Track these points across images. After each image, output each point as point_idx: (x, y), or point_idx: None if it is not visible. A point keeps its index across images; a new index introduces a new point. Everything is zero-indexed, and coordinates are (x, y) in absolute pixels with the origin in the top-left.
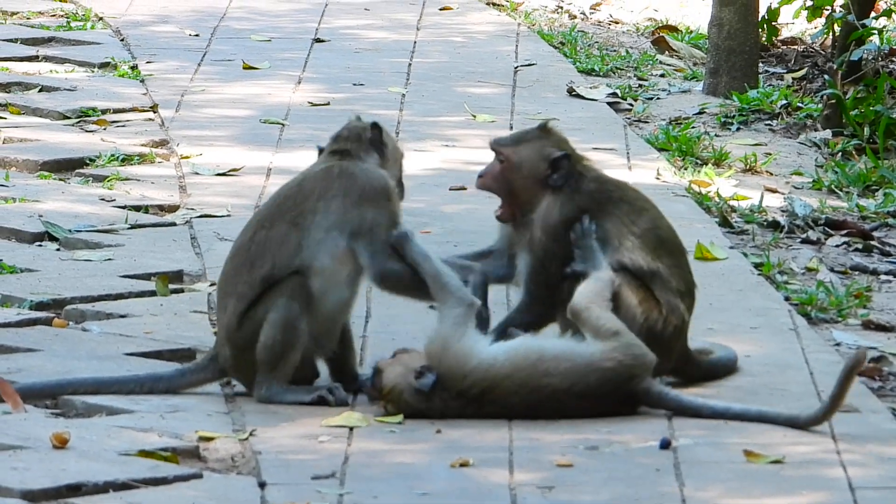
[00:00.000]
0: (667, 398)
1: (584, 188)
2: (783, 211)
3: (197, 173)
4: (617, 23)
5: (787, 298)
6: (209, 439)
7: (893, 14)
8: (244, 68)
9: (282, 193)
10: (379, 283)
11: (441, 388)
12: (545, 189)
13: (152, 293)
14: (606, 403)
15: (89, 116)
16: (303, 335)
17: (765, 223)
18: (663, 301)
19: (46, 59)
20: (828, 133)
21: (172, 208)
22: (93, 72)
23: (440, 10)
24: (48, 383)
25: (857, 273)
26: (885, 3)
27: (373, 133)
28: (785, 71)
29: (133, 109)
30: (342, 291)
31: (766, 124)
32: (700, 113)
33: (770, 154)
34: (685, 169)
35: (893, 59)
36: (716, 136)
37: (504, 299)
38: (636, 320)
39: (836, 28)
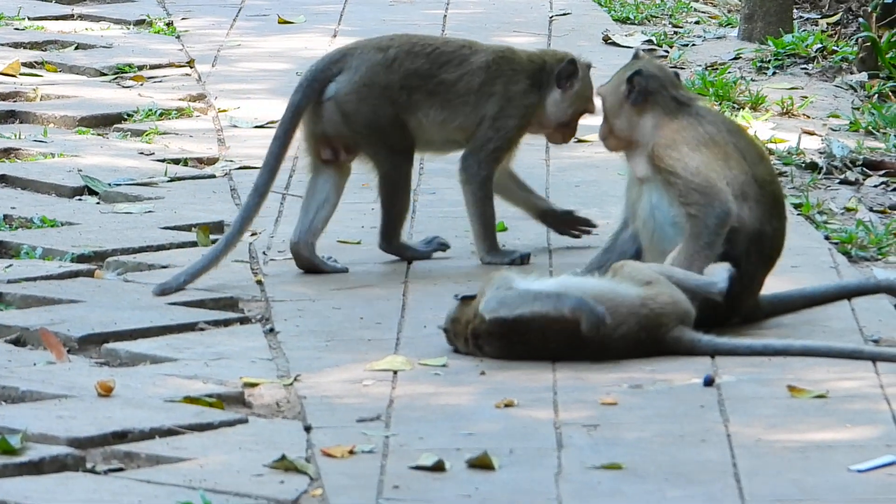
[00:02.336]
0: (700, 345)
1: (693, 113)
2: (821, 152)
3: (235, 126)
4: None
5: (826, 238)
6: (254, 385)
7: None
8: (279, 23)
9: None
10: (463, 183)
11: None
12: (635, 110)
13: (193, 244)
14: (642, 348)
15: (126, 73)
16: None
17: (803, 165)
18: (746, 267)
19: (81, 17)
20: (863, 76)
21: (211, 161)
22: (128, 29)
23: None
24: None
25: (895, 212)
26: None
27: (563, 67)
28: (819, 16)
29: (169, 65)
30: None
31: (802, 68)
32: (736, 58)
33: (806, 97)
34: (723, 113)
35: None
36: (752, 80)
37: None
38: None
39: None
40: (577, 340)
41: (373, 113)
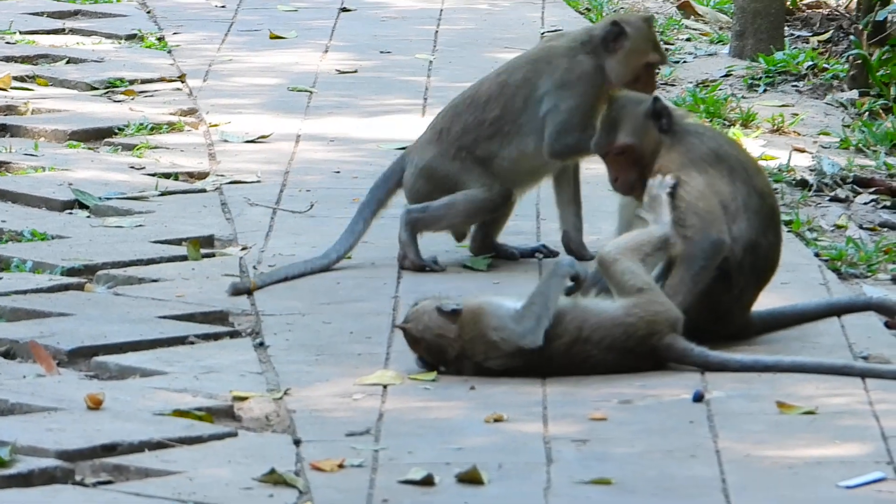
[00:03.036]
0: (691, 354)
1: (692, 131)
2: (811, 170)
3: (226, 140)
4: None
5: (816, 254)
6: (243, 399)
7: None
8: (271, 38)
9: (533, 51)
10: (552, 155)
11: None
12: (660, 140)
13: (183, 258)
14: (632, 358)
15: (117, 87)
16: (467, 223)
17: (793, 182)
18: (738, 280)
19: (73, 31)
20: (854, 93)
21: (202, 175)
22: (119, 43)
23: None
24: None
25: (886, 229)
26: None
27: (607, 30)
28: (810, 34)
29: (161, 80)
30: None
31: (793, 86)
32: (727, 75)
33: (797, 115)
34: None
35: None
36: (743, 97)
37: None
38: (695, 303)
39: None
40: (567, 361)
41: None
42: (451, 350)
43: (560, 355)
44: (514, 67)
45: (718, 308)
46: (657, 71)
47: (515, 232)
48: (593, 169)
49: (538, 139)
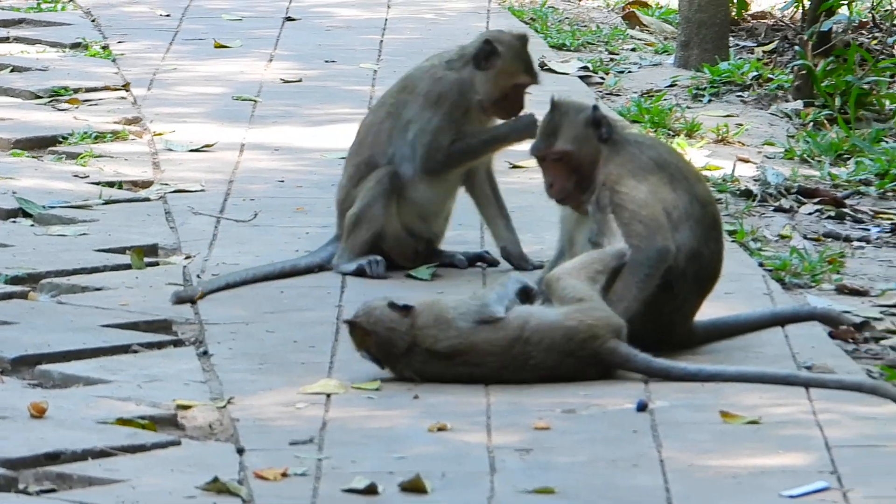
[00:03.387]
0: (635, 360)
1: (631, 141)
2: (756, 180)
3: (170, 149)
4: None
5: (760, 265)
6: (187, 407)
7: None
8: (216, 47)
9: (398, 80)
10: (423, 175)
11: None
12: (599, 149)
13: (127, 266)
14: (575, 363)
15: (61, 95)
16: (377, 217)
17: (737, 192)
18: (680, 289)
19: (17, 40)
20: (799, 104)
21: (146, 184)
22: (64, 52)
23: None
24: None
25: (829, 240)
26: None
27: (478, 48)
28: (755, 44)
29: (105, 88)
30: (432, 182)
31: (738, 96)
32: (671, 85)
33: (741, 125)
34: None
35: (863, 30)
36: (687, 107)
37: None
38: (638, 312)
39: (806, 1)
40: (509, 358)
41: None
42: (401, 343)
43: (502, 352)
44: (378, 105)
45: (661, 317)
46: (527, 91)
47: (459, 241)
48: (536, 179)
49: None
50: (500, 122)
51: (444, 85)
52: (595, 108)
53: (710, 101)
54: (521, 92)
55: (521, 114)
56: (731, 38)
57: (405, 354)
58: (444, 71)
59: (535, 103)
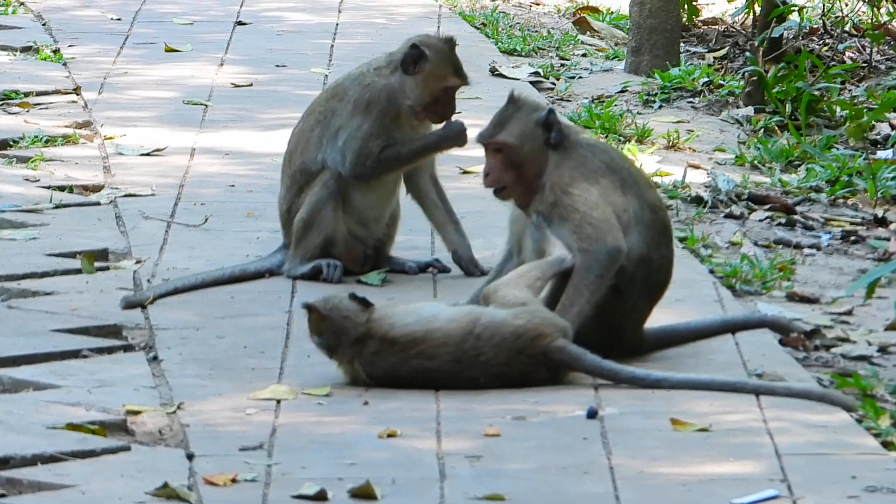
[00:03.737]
0: (585, 359)
1: (584, 144)
2: (706, 186)
3: (121, 154)
4: (538, 4)
5: (711, 271)
6: (137, 413)
7: None
8: (167, 51)
9: (327, 88)
10: (354, 179)
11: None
12: (547, 153)
13: (78, 271)
14: (525, 361)
15: (12, 99)
16: (327, 221)
17: (688, 198)
18: (629, 293)
19: None
20: (750, 110)
21: (97, 188)
22: (15, 55)
23: None
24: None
25: (780, 247)
26: None
27: (406, 53)
28: (706, 50)
29: (56, 92)
30: (366, 188)
31: (689, 102)
32: (622, 91)
33: (692, 131)
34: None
35: (814, 36)
36: (638, 113)
37: None
38: (592, 310)
39: (757, 7)
40: (461, 353)
41: None
42: (353, 332)
43: (455, 345)
44: (308, 112)
45: (611, 322)
46: (456, 94)
47: (410, 247)
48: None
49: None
50: (432, 126)
51: (373, 91)
52: (551, 111)
53: (660, 106)
54: (451, 95)
55: (453, 120)
56: (681, 44)
57: (356, 344)
58: (372, 77)
59: (492, 109)
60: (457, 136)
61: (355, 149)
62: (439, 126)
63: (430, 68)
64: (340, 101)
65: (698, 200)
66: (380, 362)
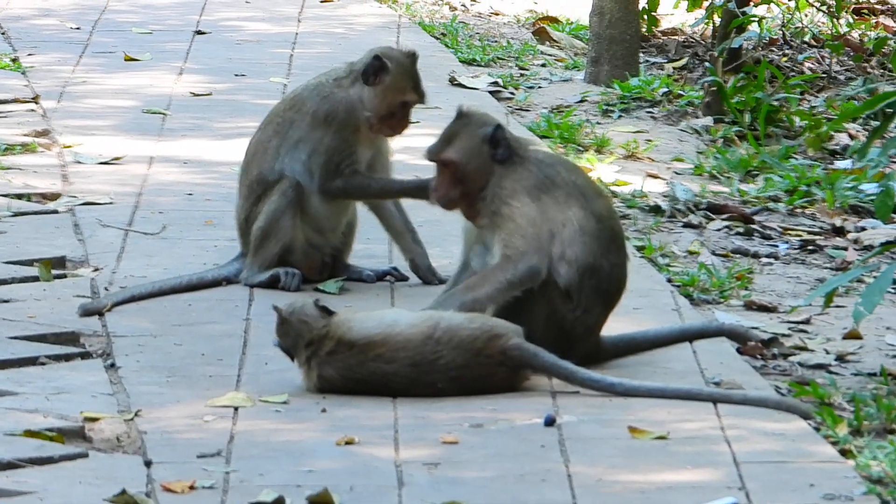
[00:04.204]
0: (542, 357)
1: (532, 159)
2: (665, 196)
3: (79, 162)
4: (497, 14)
5: (669, 280)
6: (94, 420)
7: (773, 3)
8: (126, 60)
9: (283, 97)
10: (324, 197)
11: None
12: (493, 168)
13: (35, 279)
14: (484, 362)
15: None
16: (285, 229)
17: (646, 208)
18: (579, 300)
19: None
20: (709, 120)
21: (55, 196)
22: None
23: (321, 2)
24: None
25: (738, 256)
26: None
27: (368, 64)
28: (665, 60)
29: (15, 101)
30: (320, 200)
31: (648, 112)
32: (581, 101)
33: (651, 141)
34: (567, 156)
35: (773, 47)
36: (597, 123)
37: None
38: (541, 323)
39: (717, 18)
40: (420, 356)
41: None
42: (307, 335)
43: (415, 349)
44: (266, 122)
45: (562, 327)
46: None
47: (367, 255)
48: None
49: (306, 182)
50: (386, 140)
51: (332, 103)
52: (498, 127)
53: (619, 116)
54: (407, 110)
55: (422, 178)
56: (641, 55)
57: (310, 346)
58: (331, 89)
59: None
60: (420, 191)
61: (320, 164)
62: (391, 140)
63: (389, 80)
64: (298, 112)
65: (656, 210)
66: (335, 363)
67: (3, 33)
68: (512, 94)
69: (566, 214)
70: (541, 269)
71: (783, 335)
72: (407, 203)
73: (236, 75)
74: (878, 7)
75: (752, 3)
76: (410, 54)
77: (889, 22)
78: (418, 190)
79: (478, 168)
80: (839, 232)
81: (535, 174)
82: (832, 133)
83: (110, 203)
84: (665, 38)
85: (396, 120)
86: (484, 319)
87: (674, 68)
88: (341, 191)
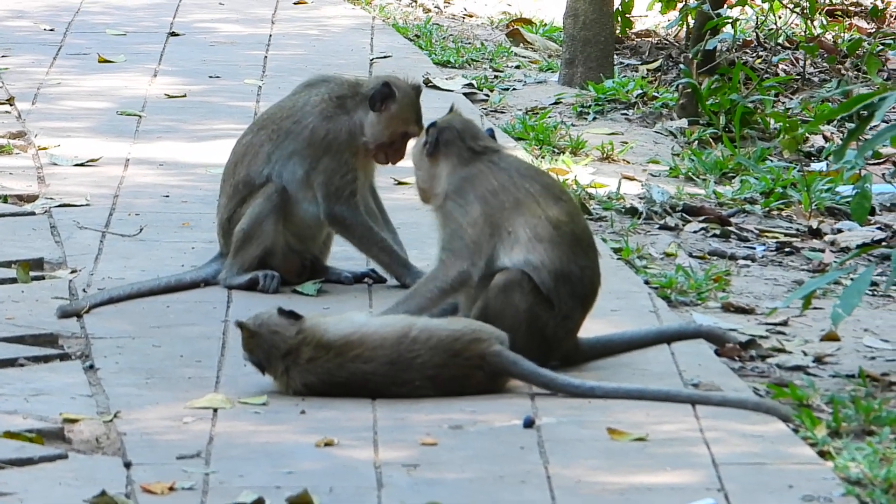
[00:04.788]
0: (521, 365)
1: (483, 161)
2: (641, 198)
3: (55, 164)
4: (471, 16)
5: (646, 282)
6: (74, 421)
7: (746, 5)
8: (100, 62)
9: (280, 104)
10: (327, 222)
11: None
12: (435, 163)
13: (13, 280)
14: (462, 364)
15: None
16: (267, 233)
17: (623, 210)
18: (560, 306)
19: None
20: (684, 122)
21: (31, 198)
22: None
23: (295, 3)
24: None
25: (715, 258)
26: None
27: (377, 90)
28: (640, 62)
29: None
30: (310, 206)
31: (623, 114)
32: (556, 103)
33: (626, 143)
34: (542, 157)
35: (748, 49)
36: (572, 125)
37: None
38: (521, 326)
39: (691, 19)
40: (396, 355)
41: None
42: (282, 346)
43: (391, 347)
44: (259, 126)
45: (544, 332)
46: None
47: (346, 257)
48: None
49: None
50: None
51: (335, 125)
52: (433, 124)
53: (594, 118)
54: (405, 141)
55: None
56: (615, 56)
57: (288, 355)
58: (333, 109)
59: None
60: (406, 273)
61: (322, 185)
62: (383, 165)
63: (395, 110)
64: (297, 125)
65: (633, 212)
66: (315, 369)
67: None
68: (486, 95)
69: (513, 221)
70: (472, 274)
71: (761, 337)
72: (387, 205)
73: (211, 77)
74: (852, 9)
75: (726, 5)
76: (416, 87)
77: (863, 24)
78: (404, 269)
79: (414, 157)
80: (816, 234)
81: (486, 176)
82: (807, 135)
83: (87, 205)
84: (639, 39)
85: (394, 150)
86: (468, 322)
87: (648, 70)
88: (346, 218)
